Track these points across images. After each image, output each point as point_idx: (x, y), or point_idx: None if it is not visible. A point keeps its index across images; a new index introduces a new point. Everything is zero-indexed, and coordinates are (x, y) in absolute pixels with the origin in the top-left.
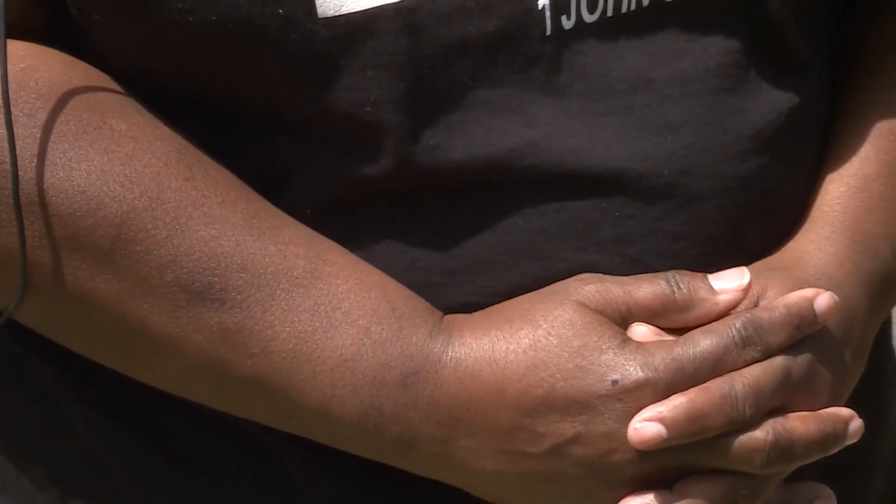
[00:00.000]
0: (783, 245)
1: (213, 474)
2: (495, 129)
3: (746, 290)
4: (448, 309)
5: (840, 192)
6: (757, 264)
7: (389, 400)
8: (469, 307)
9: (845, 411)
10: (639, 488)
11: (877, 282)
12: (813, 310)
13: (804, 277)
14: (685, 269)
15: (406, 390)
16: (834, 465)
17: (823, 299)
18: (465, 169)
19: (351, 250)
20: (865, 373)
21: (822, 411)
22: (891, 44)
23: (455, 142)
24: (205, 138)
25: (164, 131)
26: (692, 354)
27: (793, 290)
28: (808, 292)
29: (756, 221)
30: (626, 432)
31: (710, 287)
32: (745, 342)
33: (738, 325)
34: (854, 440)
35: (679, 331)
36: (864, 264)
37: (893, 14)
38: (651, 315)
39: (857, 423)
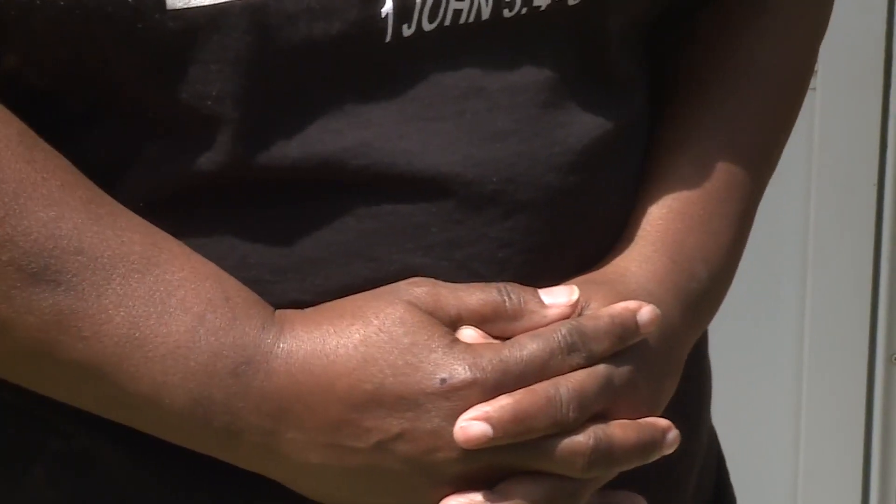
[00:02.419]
0: (605, 259)
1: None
2: (331, 129)
3: (574, 305)
4: (278, 306)
5: (662, 213)
6: (581, 278)
7: (220, 389)
8: (299, 305)
9: (663, 422)
10: (462, 487)
11: (693, 301)
12: (636, 321)
13: (626, 292)
14: (510, 276)
15: (237, 380)
16: (649, 473)
17: (646, 311)
18: (300, 167)
19: (184, 242)
20: (681, 385)
21: (641, 420)
22: (705, 71)
23: (291, 140)
24: (39, 128)
25: (5, 115)
26: (519, 357)
27: (614, 303)
28: (631, 304)
29: (578, 233)
30: (451, 431)
31: (540, 300)
32: (570, 348)
33: (563, 332)
34: (670, 450)
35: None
36: (683, 283)
37: (704, 39)
38: (480, 321)
39: (673, 434)
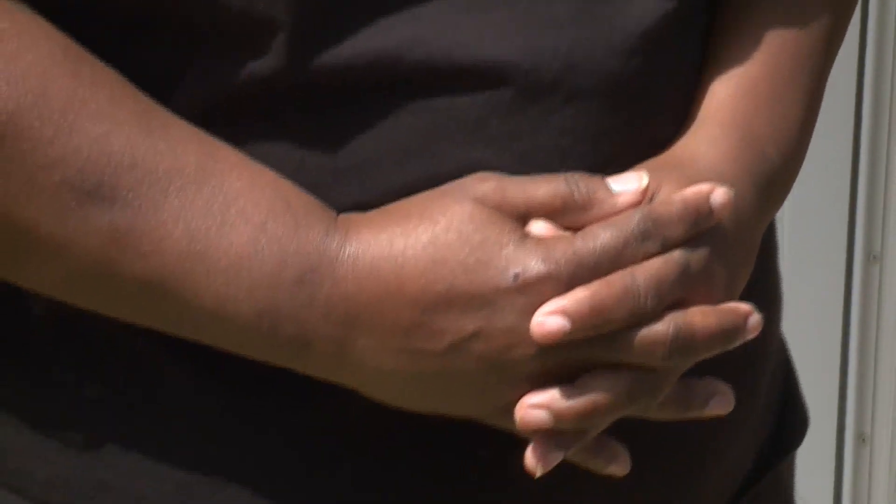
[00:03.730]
0: (671, 144)
1: (61, 382)
2: (383, 25)
3: (644, 192)
4: (339, 210)
5: (729, 92)
6: (649, 162)
7: (286, 299)
8: (360, 207)
9: (744, 306)
10: (539, 385)
11: (765, 182)
12: (709, 205)
13: (696, 175)
14: (573, 165)
15: (303, 288)
16: (723, 363)
17: (720, 194)
18: (354, 66)
19: (242, 151)
20: (754, 272)
21: (721, 305)
22: None
23: (344, 40)
24: (87, 41)
25: (49, 30)
26: (592, 247)
27: (686, 188)
28: (704, 187)
29: (642, 119)
30: (527, 327)
31: (609, 189)
32: (643, 236)
33: (636, 219)
34: (753, 335)
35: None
36: (754, 164)
37: None
38: (549, 214)
39: (755, 318)
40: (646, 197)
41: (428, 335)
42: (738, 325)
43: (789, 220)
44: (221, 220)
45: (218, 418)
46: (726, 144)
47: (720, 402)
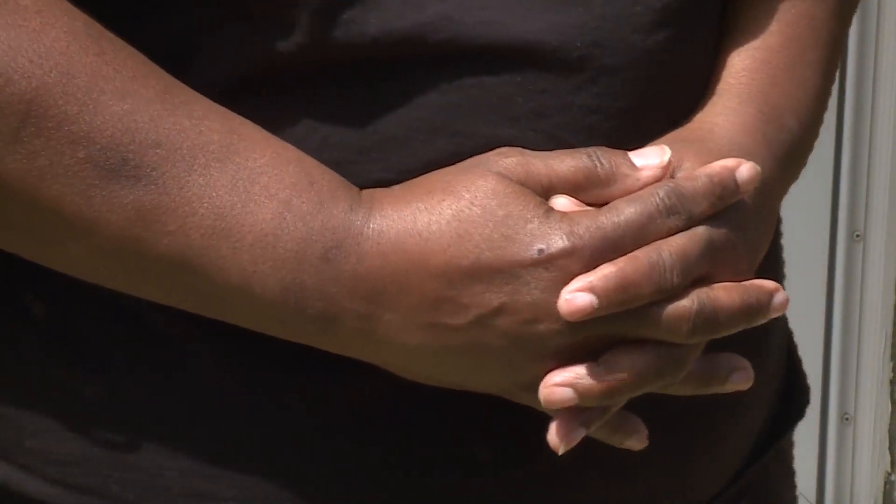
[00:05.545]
0: (690, 118)
1: (96, 363)
2: (410, 3)
3: (667, 167)
4: (363, 186)
5: (745, 64)
6: (668, 136)
7: (311, 275)
8: (384, 184)
9: (770, 284)
10: (563, 361)
11: (784, 152)
12: (735, 180)
13: (717, 149)
14: (599, 142)
15: (328, 264)
16: (734, 339)
17: (746, 169)
18: (380, 43)
19: (265, 127)
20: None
21: (746, 283)
22: None
23: (369, 16)
24: (105, 18)
25: (70, 6)
26: (617, 222)
27: (708, 161)
28: (729, 162)
29: (666, 94)
30: (552, 302)
31: (632, 163)
32: (668, 211)
33: (661, 194)
34: (779, 313)
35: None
36: (773, 135)
37: None
38: (573, 189)
39: (781, 296)
40: (668, 171)
41: (453, 309)
42: (763, 303)
43: None
44: (246, 196)
45: (237, 396)
46: (744, 116)
47: (740, 377)
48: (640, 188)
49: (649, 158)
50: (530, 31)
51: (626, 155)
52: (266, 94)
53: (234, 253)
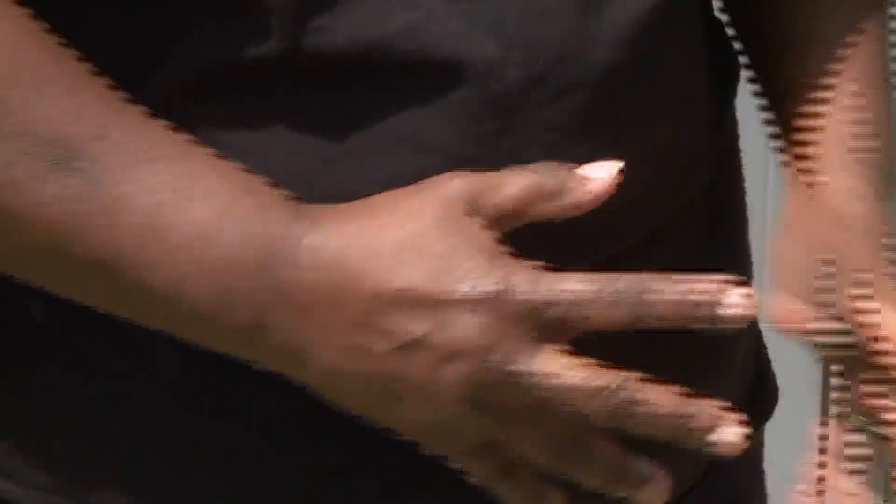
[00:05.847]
0: (658, 140)
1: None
2: (378, 11)
3: (617, 178)
4: (328, 196)
5: (844, 123)
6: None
7: (244, 280)
8: (349, 195)
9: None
10: (464, 409)
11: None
12: (711, 308)
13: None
14: (561, 162)
15: (263, 272)
16: (703, 339)
17: (734, 301)
18: (348, 52)
19: (229, 133)
20: (725, 250)
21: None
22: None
23: (338, 24)
24: (61, 16)
25: (19, 6)
26: (557, 286)
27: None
28: (713, 288)
29: (631, 113)
30: (472, 345)
31: (581, 176)
32: (617, 302)
33: (620, 284)
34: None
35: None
36: (879, 184)
37: None
38: (523, 206)
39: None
40: (617, 182)
41: (376, 334)
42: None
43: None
44: (187, 195)
45: (204, 398)
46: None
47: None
48: (591, 201)
49: (599, 172)
50: (493, 45)
51: (576, 169)
52: (234, 98)
53: (165, 252)
